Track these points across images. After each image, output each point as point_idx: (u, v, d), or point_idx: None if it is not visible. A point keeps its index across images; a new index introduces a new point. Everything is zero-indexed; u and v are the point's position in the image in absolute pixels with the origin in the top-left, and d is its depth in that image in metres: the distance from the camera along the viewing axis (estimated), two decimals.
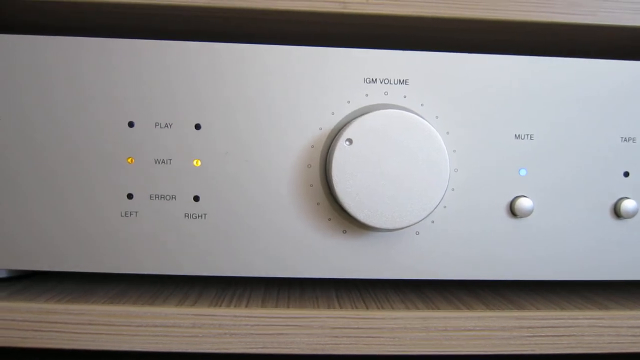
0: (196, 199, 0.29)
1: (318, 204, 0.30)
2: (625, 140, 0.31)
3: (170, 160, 0.29)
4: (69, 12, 0.32)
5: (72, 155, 0.29)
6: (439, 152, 0.28)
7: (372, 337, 0.29)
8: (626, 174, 0.31)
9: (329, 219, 0.30)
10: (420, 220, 0.28)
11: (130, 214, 0.29)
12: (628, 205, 0.30)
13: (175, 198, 0.29)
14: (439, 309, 0.30)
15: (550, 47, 0.39)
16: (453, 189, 0.30)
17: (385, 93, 0.29)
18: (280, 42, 0.39)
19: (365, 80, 0.29)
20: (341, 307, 0.30)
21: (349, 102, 0.29)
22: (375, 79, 0.29)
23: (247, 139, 0.29)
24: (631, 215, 0.30)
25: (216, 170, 0.29)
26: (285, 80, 0.29)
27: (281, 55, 0.29)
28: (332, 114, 0.29)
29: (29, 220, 0.29)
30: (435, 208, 0.28)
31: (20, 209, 0.29)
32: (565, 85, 0.30)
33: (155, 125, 0.29)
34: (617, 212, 0.31)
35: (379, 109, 0.28)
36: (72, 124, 0.29)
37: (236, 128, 0.29)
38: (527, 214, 0.30)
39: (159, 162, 0.29)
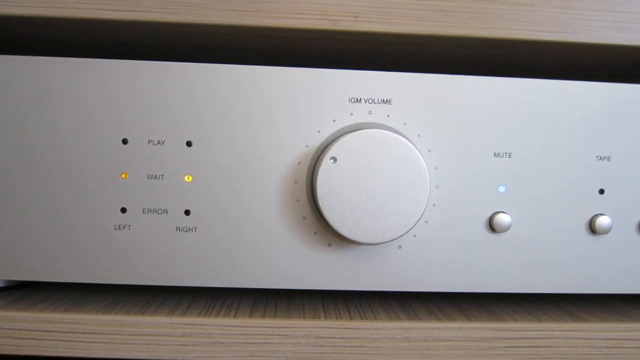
0: (187, 213, 0.30)
1: (304, 218, 0.31)
2: (600, 159, 0.32)
3: (162, 175, 0.30)
4: (69, 28, 0.34)
5: (69, 169, 0.30)
6: (420, 170, 0.29)
7: (356, 346, 0.30)
8: (601, 192, 0.32)
9: (315, 233, 0.31)
10: (402, 235, 0.30)
11: (124, 227, 0.30)
12: (603, 221, 0.32)
13: (167, 212, 0.30)
14: (420, 319, 0.31)
15: (536, 64, 0.40)
16: (434, 205, 0.31)
17: (370, 112, 0.31)
18: (271, 59, 0.41)
19: (350, 100, 0.31)
20: (326, 318, 0.31)
21: (334, 120, 0.31)
22: (360, 99, 0.31)
23: (236, 155, 0.30)
24: (606, 231, 0.32)
25: (206, 186, 0.30)
26: (274, 99, 0.30)
27: (270, 76, 0.30)
28: (318, 132, 0.30)
29: (27, 233, 0.30)
30: (417, 223, 0.30)
31: (17, 222, 0.30)
32: (543, 105, 0.31)
33: (149, 142, 0.30)
34: (592, 228, 0.32)
35: (363, 128, 0.29)
36: (70, 140, 0.30)
37: (226, 145, 0.30)
38: (505, 229, 0.31)
39: (151, 178, 0.30)
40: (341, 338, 0.30)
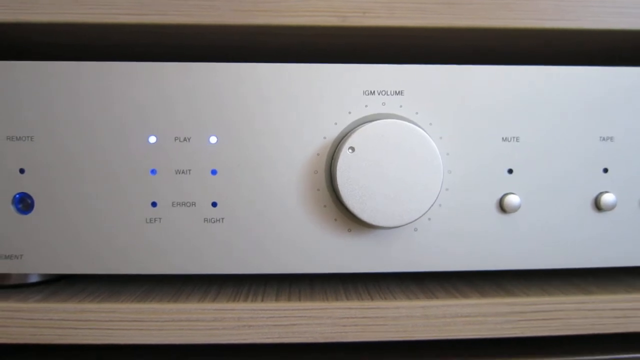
0: (214, 205, 0.32)
1: (325, 206, 0.32)
2: (604, 139, 0.33)
3: (189, 170, 0.32)
4: (92, 33, 0.35)
5: (102, 167, 0.32)
6: (433, 156, 0.31)
7: (377, 324, 0.32)
8: (605, 170, 0.34)
9: (335, 220, 0.33)
10: (418, 218, 0.31)
11: (155, 220, 0.32)
12: (608, 198, 0.33)
13: (195, 205, 0.32)
14: (437, 298, 0.33)
15: (542, 51, 0.41)
16: (447, 189, 0.33)
17: (383, 104, 0.32)
18: (283, 55, 0.42)
19: (364, 93, 0.32)
20: (348, 299, 0.33)
21: (350, 112, 0.32)
22: (374, 91, 0.32)
23: (258, 149, 0.32)
24: (610, 207, 0.33)
25: (231, 179, 0.32)
26: (292, 94, 0.32)
27: (288, 73, 0.32)
28: (335, 124, 0.32)
29: (62, 229, 0.32)
30: (431, 207, 0.31)
31: (54, 219, 0.32)
32: (547, 91, 0.33)
33: (175, 139, 0.32)
34: (597, 206, 0.34)
35: (378, 119, 0.31)
36: (102, 140, 0.32)
37: (249, 140, 0.32)
38: (515, 209, 0.33)
39: (179, 173, 0.32)
40: (363, 317, 0.32)
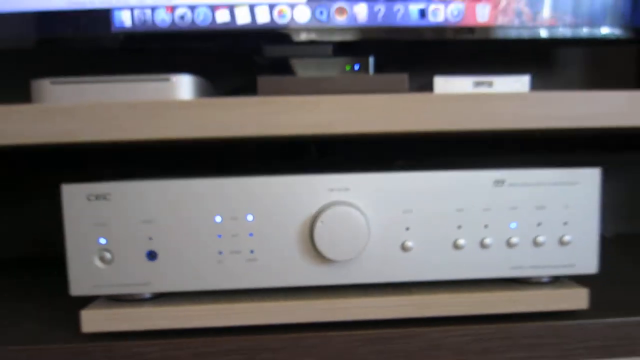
0: (252, 252, 0.61)
1: (308, 248, 0.62)
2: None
3: (237, 234, 0.61)
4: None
5: (190, 235, 0.61)
6: (362, 224, 0.60)
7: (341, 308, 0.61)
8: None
9: (314, 255, 0.62)
10: (355, 257, 0.60)
11: (220, 262, 0.61)
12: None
13: (240, 252, 0.61)
14: (373, 295, 0.62)
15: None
16: (371, 240, 0.62)
17: (338, 195, 0.61)
18: (275, 153, 0.72)
19: (329, 190, 0.61)
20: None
21: (320, 200, 0.61)
22: (332, 189, 0.62)
23: (276, 219, 0.61)
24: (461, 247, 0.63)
25: (260, 237, 0.61)
26: (297, 191, 0.61)
27: (295, 182, 0.61)
28: (314, 205, 0.61)
29: (169, 268, 0.61)
30: (362, 250, 0.60)
31: (167, 264, 0.61)
32: (422, 184, 0.62)
33: (230, 217, 0.61)
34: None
35: (336, 204, 0.60)
36: (191, 219, 0.61)
37: (270, 216, 0.61)
38: (410, 250, 0.62)
39: (233, 236, 0.61)
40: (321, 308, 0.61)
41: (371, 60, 0.81)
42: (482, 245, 0.63)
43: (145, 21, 0.93)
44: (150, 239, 0.60)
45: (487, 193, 0.62)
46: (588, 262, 0.64)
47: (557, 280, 0.67)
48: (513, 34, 0.90)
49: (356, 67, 0.80)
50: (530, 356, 0.64)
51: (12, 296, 0.82)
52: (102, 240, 0.60)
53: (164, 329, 0.61)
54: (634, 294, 0.74)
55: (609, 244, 1.12)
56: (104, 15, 0.89)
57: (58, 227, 1.10)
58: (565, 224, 0.63)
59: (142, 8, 0.91)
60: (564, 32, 0.93)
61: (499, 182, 0.62)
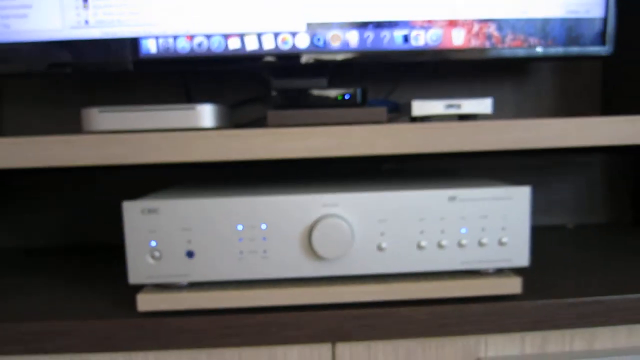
0: (264, 252, 0.81)
1: (308, 249, 0.81)
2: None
3: (253, 239, 0.81)
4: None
5: (217, 241, 0.81)
6: (347, 231, 0.80)
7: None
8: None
9: (312, 254, 0.82)
10: (343, 255, 0.80)
11: (241, 259, 0.81)
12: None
13: (256, 252, 0.81)
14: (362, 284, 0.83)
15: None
16: (354, 244, 0.82)
17: (330, 209, 0.81)
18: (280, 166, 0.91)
19: (322, 205, 0.81)
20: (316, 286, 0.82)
21: (315, 213, 0.81)
22: (326, 204, 0.81)
23: (284, 227, 0.81)
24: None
25: (272, 240, 0.81)
26: (300, 205, 0.81)
27: (296, 199, 0.81)
28: (312, 217, 0.81)
29: (203, 264, 0.81)
30: (347, 250, 0.80)
31: (200, 260, 0.81)
32: (398, 200, 0.82)
33: (249, 226, 0.81)
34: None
35: (327, 217, 0.80)
36: (223, 228, 0.81)
37: (278, 224, 0.81)
38: (384, 250, 0.82)
39: (250, 240, 0.81)
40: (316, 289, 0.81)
41: (359, 91, 1.00)
42: (440, 246, 0.83)
43: (168, 48, 1.12)
44: (189, 242, 0.80)
45: (443, 206, 0.82)
46: (521, 257, 0.83)
47: (500, 272, 0.87)
48: (485, 54, 1.08)
49: (347, 97, 0.99)
50: (478, 329, 0.84)
51: (74, 281, 1.02)
52: (153, 243, 0.80)
53: (198, 308, 0.80)
54: (563, 280, 0.94)
55: (567, 234, 1.32)
56: (132, 43, 1.08)
57: (95, 219, 1.31)
58: (503, 229, 0.83)
59: (166, 37, 1.10)
60: (529, 51, 1.11)
61: (452, 198, 0.82)
